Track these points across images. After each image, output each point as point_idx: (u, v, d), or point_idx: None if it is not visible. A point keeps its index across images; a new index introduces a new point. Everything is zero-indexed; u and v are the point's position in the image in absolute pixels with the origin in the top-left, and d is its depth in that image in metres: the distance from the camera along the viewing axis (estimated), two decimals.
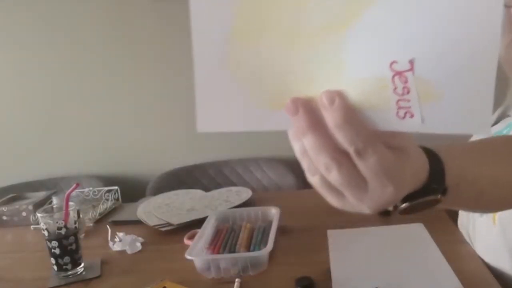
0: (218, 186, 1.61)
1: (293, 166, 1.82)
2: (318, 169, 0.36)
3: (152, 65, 1.89)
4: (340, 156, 0.35)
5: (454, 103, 0.31)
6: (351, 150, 0.34)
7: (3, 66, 1.94)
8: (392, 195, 0.36)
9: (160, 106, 1.93)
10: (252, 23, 0.35)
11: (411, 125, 0.33)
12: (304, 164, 0.38)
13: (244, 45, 0.36)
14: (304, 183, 1.85)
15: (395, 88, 0.32)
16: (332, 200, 0.39)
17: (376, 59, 0.32)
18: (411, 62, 0.31)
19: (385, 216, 1.09)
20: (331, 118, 0.34)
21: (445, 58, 0.30)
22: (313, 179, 0.38)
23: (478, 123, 0.31)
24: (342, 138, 0.34)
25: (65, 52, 1.90)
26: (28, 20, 1.88)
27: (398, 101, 0.32)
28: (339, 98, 0.33)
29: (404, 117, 0.33)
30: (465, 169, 0.46)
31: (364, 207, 0.38)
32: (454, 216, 1.02)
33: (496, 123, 0.89)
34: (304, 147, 0.36)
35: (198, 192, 1.41)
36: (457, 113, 0.32)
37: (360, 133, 0.33)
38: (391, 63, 0.32)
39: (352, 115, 0.33)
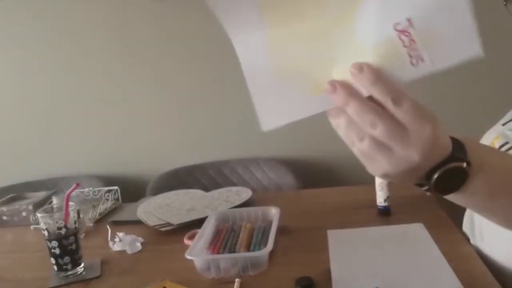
0: (218, 186, 1.61)
1: (293, 166, 1.82)
2: (365, 132, 0.42)
3: (152, 65, 1.89)
4: (380, 112, 0.42)
5: (449, 39, 0.41)
6: (388, 100, 0.41)
7: (3, 66, 1.94)
8: (431, 132, 0.42)
9: (160, 106, 1.92)
10: (282, 31, 0.45)
11: (424, 68, 0.41)
12: (352, 134, 0.43)
13: (280, 50, 0.46)
14: (304, 183, 1.85)
15: (403, 43, 0.41)
16: (381, 160, 0.43)
17: (382, 27, 0.41)
18: (409, 19, 0.40)
19: (385, 216, 1.09)
20: (364, 80, 0.41)
21: (431, 8, 0.40)
22: (361, 145, 0.43)
23: (470, 46, 0.40)
24: (378, 93, 0.41)
25: (65, 52, 1.90)
26: (28, 20, 1.88)
27: (408, 52, 0.41)
28: (365, 64, 0.41)
29: (417, 63, 0.41)
30: (487, 154, 0.50)
31: (412, 153, 0.42)
32: (454, 217, 1.02)
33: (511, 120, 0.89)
34: (348, 118, 0.43)
35: (198, 192, 1.41)
36: (453, 45, 0.41)
37: (390, 86, 0.41)
38: (395, 25, 0.41)
39: (380, 73, 0.41)
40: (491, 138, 0.90)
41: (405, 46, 0.41)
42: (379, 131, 0.42)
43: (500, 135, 0.88)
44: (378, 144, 0.42)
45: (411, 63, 0.41)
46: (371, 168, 0.45)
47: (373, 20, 0.42)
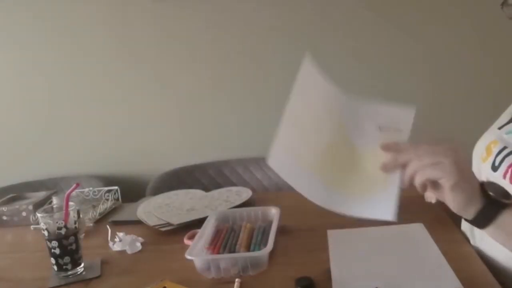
0: (218, 186, 1.61)
1: None
2: (415, 159, 0.66)
3: (152, 65, 1.89)
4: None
5: (398, 115, 0.74)
6: (412, 147, 0.67)
7: (3, 66, 1.94)
8: (447, 142, 0.65)
9: (160, 106, 1.93)
10: (330, 169, 0.73)
11: (405, 132, 0.71)
12: (420, 172, 0.65)
13: (342, 188, 0.72)
14: None
15: (388, 129, 0.72)
16: (442, 161, 0.64)
17: (374, 134, 0.72)
18: (379, 122, 0.73)
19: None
20: (392, 148, 0.69)
21: (379, 109, 0.75)
22: (426, 172, 0.65)
23: (408, 113, 0.73)
24: (405, 149, 0.68)
25: (65, 52, 1.90)
26: (28, 20, 1.88)
27: (393, 131, 0.72)
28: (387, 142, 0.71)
29: (401, 132, 0.72)
30: None
31: (448, 147, 0.65)
32: (454, 217, 1.02)
33: (510, 121, 0.88)
34: (410, 162, 0.66)
35: (198, 192, 1.41)
36: (402, 115, 0.73)
37: (406, 143, 0.70)
38: (378, 129, 0.72)
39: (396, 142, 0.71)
40: (488, 143, 0.89)
41: (390, 130, 0.71)
42: (422, 152, 0.66)
43: (498, 139, 0.87)
44: (428, 162, 0.64)
45: (399, 134, 0.71)
46: (448, 185, 0.64)
47: (367, 135, 0.73)
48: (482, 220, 0.67)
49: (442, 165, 0.63)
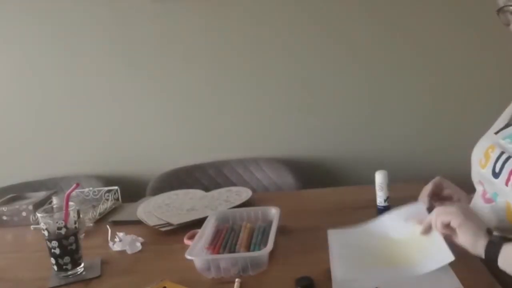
0: (218, 186, 1.61)
1: (293, 166, 1.82)
2: (438, 217, 0.82)
3: (151, 65, 1.88)
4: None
5: (417, 208, 0.97)
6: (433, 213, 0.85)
7: (4, 66, 1.94)
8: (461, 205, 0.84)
9: (160, 106, 1.92)
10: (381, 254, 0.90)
11: (425, 210, 0.94)
12: (441, 220, 0.81)
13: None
14: (304, 183, 1.85)
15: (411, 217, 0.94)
16: (453, 211, 0.80)
17: (404, 223, 0.94)
18: (404, 219, 0.96)
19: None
20: (426, 224, 0.87)
21: (406, 209, 0.99)
22: (446, 217, 0.81)
23: (421, 209, 0.96)
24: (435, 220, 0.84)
25: (65, 52, 1.90)
26: (29, 20, 1.88)
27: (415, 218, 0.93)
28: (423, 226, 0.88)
29: (422, 214, 0.93)
30: None
31: (456, 204, 0.91)
32: None
33: (509, 125, 0.88)
34: (436, 218, 0.83)
35: (198, 192, 1.41)
36: (416, 207, 0.97)
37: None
38: (404, 222, 0.94)
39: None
40: (485, 148, 0.89)
41: (414, 219, 0.92)
42: (438, 209, 0.84)
43: (495, 145, 0.87)
44: (441, 210, 0.82)
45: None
46: (456, 224, 0.77)
47: (402, 229, 0.93)
48: (491, 253, 0.73)
49: (450, 211, 0.79)
